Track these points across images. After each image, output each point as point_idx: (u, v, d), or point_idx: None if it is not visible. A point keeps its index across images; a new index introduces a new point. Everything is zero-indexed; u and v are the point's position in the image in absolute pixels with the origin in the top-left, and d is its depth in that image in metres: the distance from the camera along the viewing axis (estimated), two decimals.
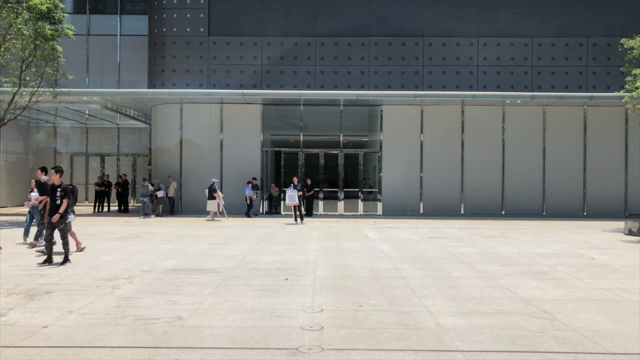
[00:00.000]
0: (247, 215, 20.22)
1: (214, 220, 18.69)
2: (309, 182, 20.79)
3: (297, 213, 17.92)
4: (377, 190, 21.82)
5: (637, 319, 6.09)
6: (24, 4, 16.20)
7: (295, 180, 18.47)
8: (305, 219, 19.25)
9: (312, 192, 20.83)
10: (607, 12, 22.57)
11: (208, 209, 19.03)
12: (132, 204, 25.60)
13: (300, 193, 18.21)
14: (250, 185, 20.21)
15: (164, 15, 22.68)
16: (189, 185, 21.41)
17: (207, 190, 19.33)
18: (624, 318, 6.11)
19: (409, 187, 21.41)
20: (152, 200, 20.14)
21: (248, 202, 20.08)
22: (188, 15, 22.47)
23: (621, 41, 17.50)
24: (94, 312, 6.18)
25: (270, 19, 22.57)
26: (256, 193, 20.52)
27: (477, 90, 22.01)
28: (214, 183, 19.17)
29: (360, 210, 21.66)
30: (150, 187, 19.96)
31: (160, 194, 20.05)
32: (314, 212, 21.21)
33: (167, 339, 5.21)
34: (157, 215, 20.09)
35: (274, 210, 21.55)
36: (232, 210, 20.41)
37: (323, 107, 21.85)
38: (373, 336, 5.35)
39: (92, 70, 25.86)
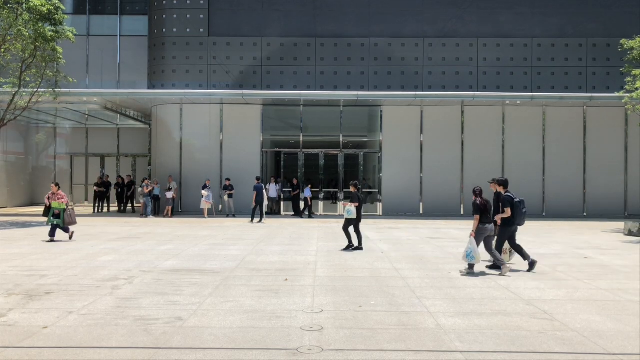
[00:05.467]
0: (309, 216, 20.41)
1: (208, 217, 19.53)
2: (295, 182, 21.04)
3: (261, 212, 18.24)
4: (377, 190, 21.82)
5: (637, 319, 6.08)
6: (24, 5, 16.20)
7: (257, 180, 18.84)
8: (294, 220, 19.66)
9: (297, 192, 20.93)
10: (607, 12, 22.57)
11: (202, 206, 19.82)
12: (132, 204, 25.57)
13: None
14: (309, 186, 20.39)
15: (164, 16, 22.68)
16: (189, 186, 21.40)
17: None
18: (624, 319, 6.11)
19: (409, 188, 21.40)
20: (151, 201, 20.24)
21: (310, 202, 20.33)
22: (188, 16, 22.48)
23: (621, 41, 17.50)
24: (94, 312, 6.17)
25: (270, 19, 22.57)
26: (230, 194, 20.08)
27: (477, 91, 22.00)
28: (205, 182, 19.92)
29: None
30: (145, 190, 20.02)
31: (169, 194, 20.01)
32: (314, 212, 21.20)
33: (167, 340, 5.21)
34: (159, 215, 20.12)
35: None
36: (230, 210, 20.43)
37: (323, 107, 21.85)
38: (373, 337, 5.35)
39: (92, 70, 25.87)
